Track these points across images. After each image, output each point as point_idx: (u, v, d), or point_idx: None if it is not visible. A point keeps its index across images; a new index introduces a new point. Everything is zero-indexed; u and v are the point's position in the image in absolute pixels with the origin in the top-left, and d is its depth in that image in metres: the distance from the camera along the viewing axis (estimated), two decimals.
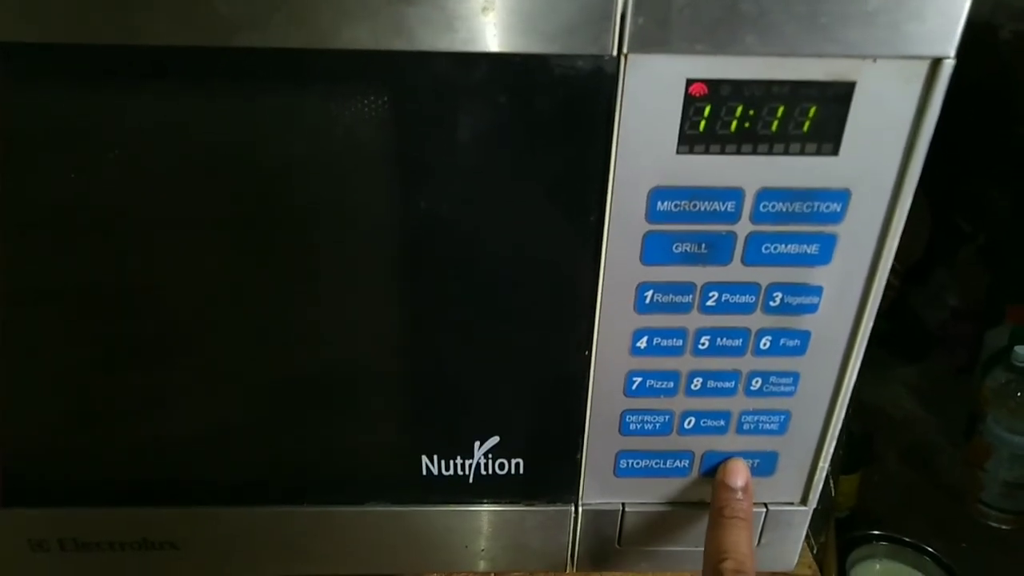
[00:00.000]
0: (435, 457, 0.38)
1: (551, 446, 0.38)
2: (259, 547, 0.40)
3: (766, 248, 0.33)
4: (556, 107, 0.30)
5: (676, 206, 0.32)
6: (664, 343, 0.35)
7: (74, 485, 0.38)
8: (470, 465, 0.38)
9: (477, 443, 0.38)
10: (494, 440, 0.38)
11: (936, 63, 0.29)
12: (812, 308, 0.34)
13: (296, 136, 0.30)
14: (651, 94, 0.30)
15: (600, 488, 0.39)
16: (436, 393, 0.37)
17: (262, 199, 0.32)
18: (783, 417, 0.37)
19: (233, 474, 0.39)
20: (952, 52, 0.29)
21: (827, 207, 0.32)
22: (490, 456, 0.38)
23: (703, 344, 0.35)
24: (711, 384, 0.36)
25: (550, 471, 0.39)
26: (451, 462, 0.38)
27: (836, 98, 0.30)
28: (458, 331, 0.35)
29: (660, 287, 0.34)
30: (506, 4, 0.27)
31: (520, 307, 0.34)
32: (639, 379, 0.36)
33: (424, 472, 0.38)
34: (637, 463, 0.38)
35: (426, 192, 0.32)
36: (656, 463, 0.38)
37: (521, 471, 0.38)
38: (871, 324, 0.35)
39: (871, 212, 0.32)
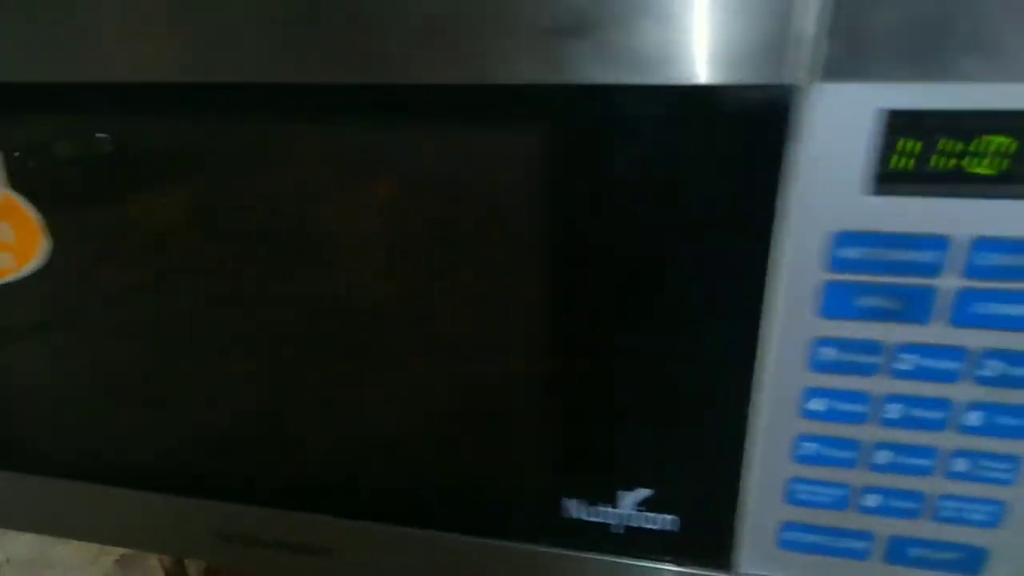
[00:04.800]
0: (576, 501, 0.36)
1: (706, 506, 0.34)
2: (402, 564, 0.40)
3: (979, 307, 0.27)
4: (723, 140, 0.27)
5: (864, 253, 0.27)
6: (843, 408, 0.30)
7: (255, 488, 0.41)
8: (617, 515, 0.36)
9: (626, 493, 0.35)
10: (645, 492, 0.35)
11: None
12: None
13: (455, 165, 0.29)
14: (841, 128, 0.25)
15: (760, 559, 0.35)
16: (586, 435, 0.35)
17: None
18: (996, 508, 0.31)
19: (384, 495, 0.39)
20: None
21: None
22: (641, 508, 0.35)
23: (891, 413, 0.30)
24: (900, 460, 0.31)
25: (703, 533, 0.35)
26: (596, 509, 0.36)
27: None
28: (608, 370, 0.33)
29: (840, 343, 0.29)
30: (664, 33, 0.25)
31: (673, 350, 0.31)
32: (811, 445, 0.32)
33: (563, 514, 0.36)
34: (804, 537, 0.34)
35: (584, 224, 0.30)
36: (828, 540, 0.34)
37: (672, 528, 0.35)
38: None
39: None
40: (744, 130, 0.26)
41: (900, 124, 0.25)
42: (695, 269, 0.29)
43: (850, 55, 0.24)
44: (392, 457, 0.38)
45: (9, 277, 0.35)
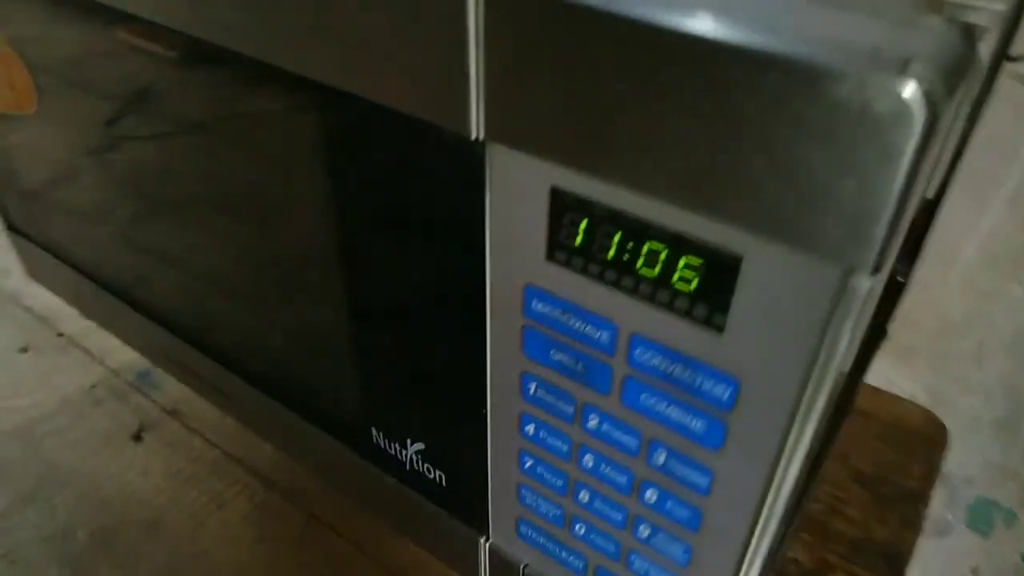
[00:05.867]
0: (381, 434, 0.41)
1: (461, 477, 0.38)
2: (269, 425, 0.48)
3: (644, 398, 0.28)
4: (431, 171, 0.28)
5: (550, 311, 0.28)
6: (550, 441, 0.32)
7: (185, 327, 0.50)
8: (405, 455, 0.41)
9: (409, 440, 0.40)
10: (420, 445, 0.39)
11: (848, 272, 0.20)
12: (701, 489, 0.28)
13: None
14: (516, 190, 0.26)
15: (506, 540, 0.39)
16: (380, 385, 0.39)
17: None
18: None
19: (265, 375, 0.47)
20: (868, 267, 0.20)
21: (712, 388, 0.25)
22: (418, 457, 0.40)
23: (587, 462, 0.31)
24: (597, 505, 0.32)
25: (463, 499, 0.39)
26: (393, 444, 0.41)
27: (720, 267, 0.23)
28: (379, 338, 0.37)
29: (542, 384, 0.31)
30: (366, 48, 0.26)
31: (418, 339, 0.34)
32: (530, 461, 0.34)
33: (373, 440, 0.42)
34: (535, 537, 0.37)
35: (350, 210, 0.33)
36: (552, 547, 0.36)
37: (440, 482, 0.40)
38: (771, 532, 0.27)
39: (771, 414, 0.25)
40: (447, 168, 0.27)
41: (565, 203, 0.25)
42: (426, 280, 0.32)
43: (515, 123, 0.24)
44: (269, 352, 0.45)
45: (18, 112, 0.45)
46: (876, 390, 0.73)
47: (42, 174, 0.51)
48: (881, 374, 0.75)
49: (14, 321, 0.80)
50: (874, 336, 0.60)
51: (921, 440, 0.71)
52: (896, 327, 0.73)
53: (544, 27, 0.22)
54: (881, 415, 0.72)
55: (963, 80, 0.19)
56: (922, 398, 0.72)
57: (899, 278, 0.69)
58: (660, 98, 0.21)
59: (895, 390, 0.74)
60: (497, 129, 0.25)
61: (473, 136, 0.25)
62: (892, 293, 0.66)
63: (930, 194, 0.58)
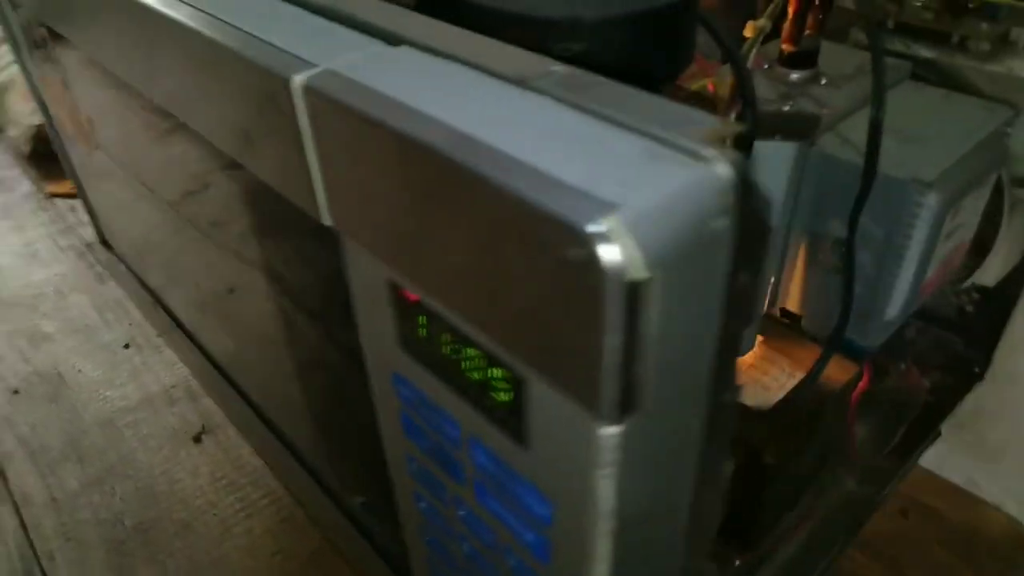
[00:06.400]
0: (338, 479, 0.43)
1: (393, 538, 0.39)
2: (270, 452, 0.51)
3: (491, 502, 0.27)
4: (316, 249, 0.29)
5: (414, 399, 0.28)
6: (437, 520, 0.32)
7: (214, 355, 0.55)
8: (355, 503, 0.42)
9: (354, 491, 0.41)
10: (362, 498, 0.40)
11: (594, 417, 0.19)
12: None
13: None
14: (367, 279, 0.27)
15: None
16: (324, 439, 0.41)
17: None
18: None
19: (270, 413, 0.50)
20: (604, 418, 0.18)
21: (532, 503, 0.24)
22: (362, 508, 0.41)
23: (464, 548, 0.31)
24: None
25: (396, 557, 0.40)
26: (345, 491, 0.42)
27: (516, 385, 0.22)
28: (313, 403, 0.38)
29: (421, 465, 0.31)
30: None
31: (336, 408, 0.35)
32: (428, 535, 0.34)
33: (329, 484, 0.44)
34: None
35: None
36: None
37: (384, 537, 0.41)
38: None
39: (579, 541, 0.23)
40: (325, 250, 0.28)
41: (404, 299, 0.25)
42: (328, 350, 0.33)
43: (350, 218, 0.25)
44: (269, 397, 0.48)
45: (86, 149, 0.51)
46: (951, 486, 0.65)
47: (107, 200, 0.57)
48: (963, 472, 0.67)
49: (127, 318, 0.89)
50: (918, 433, 0.54)
51: (998, 555, 0.62)
52: (983, 423, 0.65)
53: (349, 135, 0.22)
54: (952, 516, 0.64)
55: (698, 234, 0.17)
56: (1010, 507, 0.63)
57: (976, 369, 0.61)
58: (434, 212, 0.20)
59: (981, 494, 0.66)
60: (340, 220, 0.25)
61: (326, 223, 0.26)
62: (958, 385, 0.58)
63: (988, 282, 0.51)
